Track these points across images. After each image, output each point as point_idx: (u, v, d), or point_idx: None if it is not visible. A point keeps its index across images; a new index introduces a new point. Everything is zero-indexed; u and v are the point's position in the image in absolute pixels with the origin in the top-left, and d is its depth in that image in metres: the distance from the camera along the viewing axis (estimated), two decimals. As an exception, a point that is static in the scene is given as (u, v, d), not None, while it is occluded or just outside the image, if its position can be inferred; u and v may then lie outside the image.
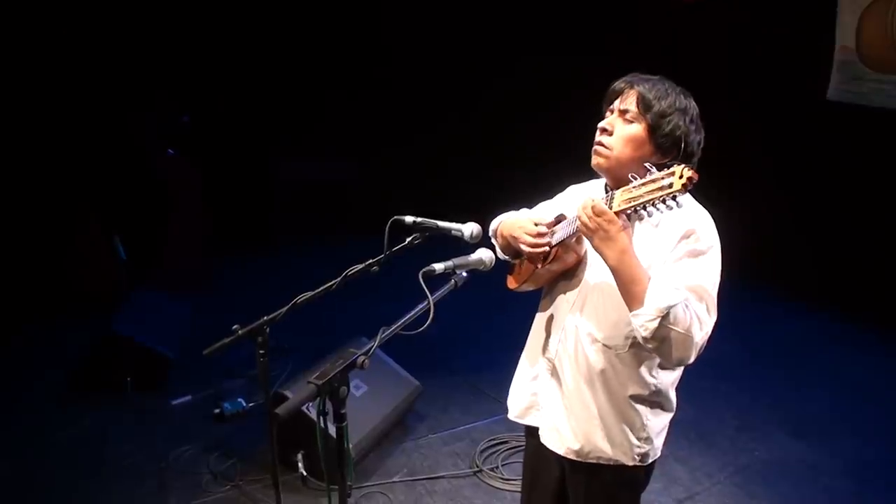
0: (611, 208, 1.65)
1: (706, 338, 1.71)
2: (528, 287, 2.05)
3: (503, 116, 6.72)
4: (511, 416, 2.14)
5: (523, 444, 3.63)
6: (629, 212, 1.62)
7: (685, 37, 5.90)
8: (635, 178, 1.60)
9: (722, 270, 1.79)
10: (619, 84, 1.87)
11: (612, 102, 1.87)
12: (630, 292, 1.67)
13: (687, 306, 1.66)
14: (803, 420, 3.94)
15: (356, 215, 6.08)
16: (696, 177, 1.49)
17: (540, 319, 2.06)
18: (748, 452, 3.66)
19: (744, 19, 5.65)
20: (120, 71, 5.31)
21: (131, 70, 5.39)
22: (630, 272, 1.67)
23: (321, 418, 1.55)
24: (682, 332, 1.64)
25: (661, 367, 1.89)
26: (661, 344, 1.66)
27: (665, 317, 1.63)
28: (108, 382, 3.97)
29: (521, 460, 3.54)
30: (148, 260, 5.19)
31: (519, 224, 1.96)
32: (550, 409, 1.99)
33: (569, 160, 3.05)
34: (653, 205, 1.55)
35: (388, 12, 6.69)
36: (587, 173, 2.01)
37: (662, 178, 1.52)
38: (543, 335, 2.02)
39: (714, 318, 1.74)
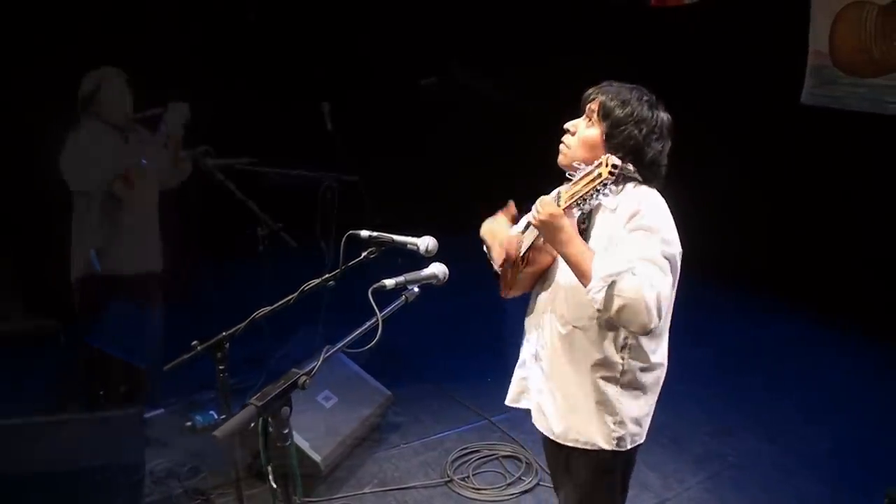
0: (559, 206, 1.84)
1: (661, 299, 1.78)
2: (517, 292, 2.19)
3: (499, 121, 6.73)
4: (507, 401, 2.26)
5: (495, 453, 3.69)
6: (575, 205, 1.81)
7: (659, 41, 5.91)
8: (572, 176, 1.83)
9: (682, 256, 1.92)
10: (591, 90, 2.05)
11: (584, 105, 2.05)
12: (581, 271, 1.84)
13: (634, 273, 1.77)
14: (776, 424, 3.95)
15: (345, 220, 6.06)
16: (619, 163, 1.70)
17: (527, 314, 2.20)
18: (721, 457, 3.67)
19: (718, 23, 5.67)
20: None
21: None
22: (577, 255, 1.85)
23: (263, 439, 1.54)
24: (633, 296, 1.75)
25: (631, 352, 1.97)
26: (618, 314, 1.77)
27: (611, 285, 1.76)
28: (80, 395, 3.94)
29: (492, 469, 3.58)
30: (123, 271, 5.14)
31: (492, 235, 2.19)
32: (536, 392, 2.14)
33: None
34: (592, 196, 1.74)
35: (376, 21, 6.71)
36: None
37: (592, 171, 1.74)
38: (530, 327, 2.18)
39: (669, 279, 1.84)
